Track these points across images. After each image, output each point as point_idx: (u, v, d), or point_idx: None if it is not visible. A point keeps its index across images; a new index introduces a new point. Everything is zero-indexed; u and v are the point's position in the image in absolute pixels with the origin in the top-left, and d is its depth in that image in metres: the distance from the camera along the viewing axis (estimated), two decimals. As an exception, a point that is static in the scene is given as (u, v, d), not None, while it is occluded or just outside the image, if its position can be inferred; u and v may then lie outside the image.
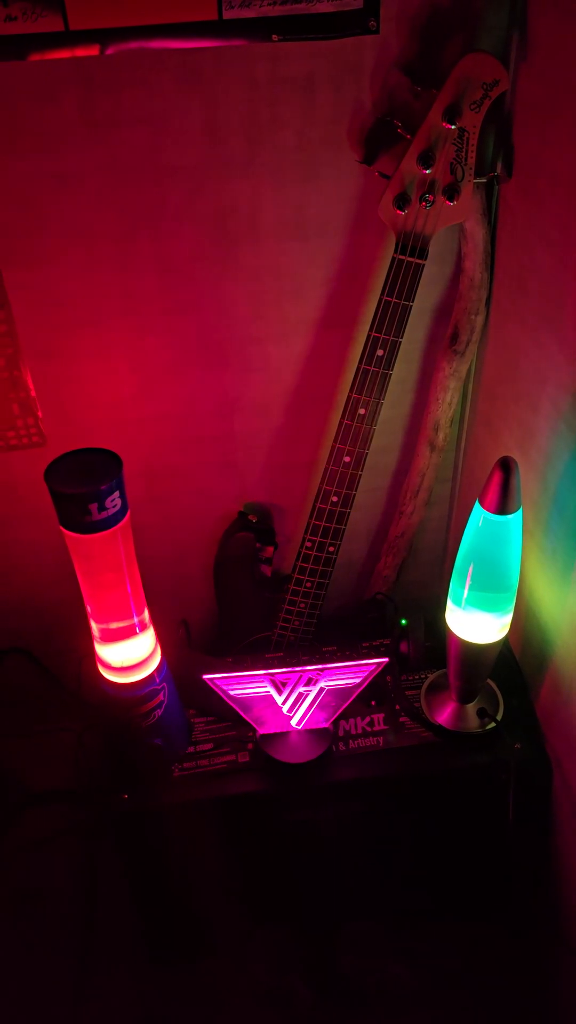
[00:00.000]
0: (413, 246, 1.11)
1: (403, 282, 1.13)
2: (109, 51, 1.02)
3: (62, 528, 0.94)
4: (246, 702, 1.12)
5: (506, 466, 0.92)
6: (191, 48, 1.04)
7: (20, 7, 0.97)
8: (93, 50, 1.02)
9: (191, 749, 1.21)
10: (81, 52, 1.02)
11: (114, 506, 0.92)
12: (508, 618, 1.07)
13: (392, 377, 1.18)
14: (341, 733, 1.21)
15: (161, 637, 1.13)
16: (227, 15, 1.02)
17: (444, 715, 1.21)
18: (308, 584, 1.33)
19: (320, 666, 1.09)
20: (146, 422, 1.37)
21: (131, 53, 1.03)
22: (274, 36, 1.04)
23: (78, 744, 1.57)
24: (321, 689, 1.11)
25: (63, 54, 1.02)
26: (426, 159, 1.05)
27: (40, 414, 1.32)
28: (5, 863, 1.57)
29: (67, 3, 0.98)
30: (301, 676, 1.10)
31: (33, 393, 1.30)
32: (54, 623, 1.57)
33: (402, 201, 1.08)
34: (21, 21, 0.98)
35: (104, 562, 0.98)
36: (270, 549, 1.49)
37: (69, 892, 1.53)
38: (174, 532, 1.52)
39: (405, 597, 1.58)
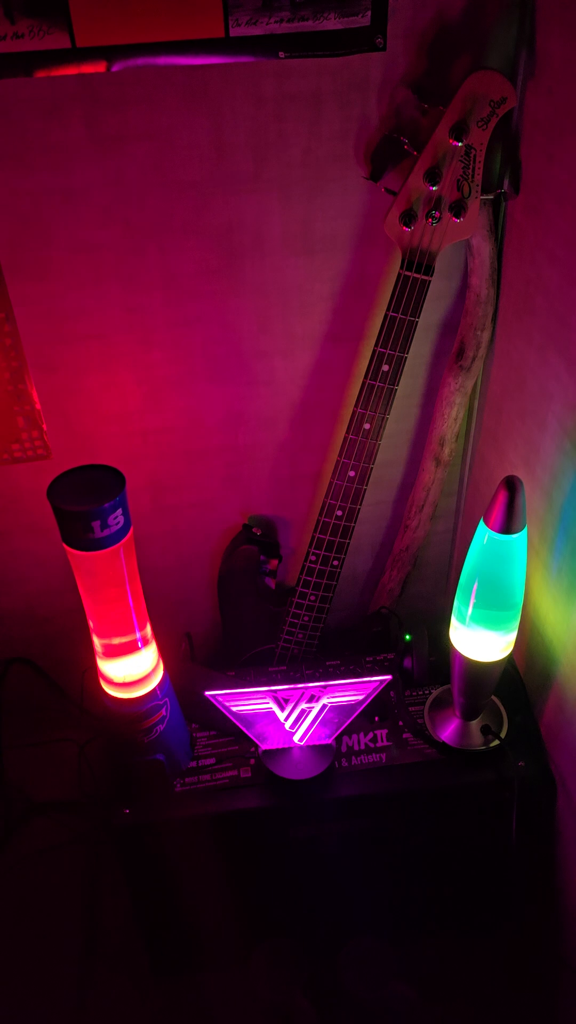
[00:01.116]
0: (419, 262, 1.11)
1: (409, 298, 1.13)
2: (115, 68, 1.03)
3: (65, 545, 0.94)
4: (248, 718, 1.12)
5: (511, 486, 0.92)
6: (198, 65, 1.04)
7: (27, 24, 0.98)
8: (100, 67, 1.02)
9: (193, 764, 1.21)
10: (88, 69, 1.02)
11: (117, 524, 0.92)
12: (512, 636, 1.07)
13: (398, 392, 1.18)
14: (344, 749, 1.21)
15: (164, 650, 1.13)
16: (234, 32, 1.02)
17: (448, 732, 1.20)
18: (312, 597, 1.33)
19: (323, 683, 1.08)
20: (151, 435, 1.37)
21: (137, 70, 1.03)
22: (281, 53, 1.05)
23: (80, 755, 1.57)
24: (324, 706, 1.11)
25: (70, 71, 1.02)
26: (433, 176, 1.05)
27: (45, 427, 1.32)
28: (7, 872, 1.57)
29: (74, 20, 0.98)
30: (304, 693, 1.09)
31: (38, 406, 1.30)
32: (57, 633, 1.57)
33: (408, 217, 1.08)
34: (28, 38, 0.98)
35: (106, 578, 0.98)
36: (274, 562, 1.49)
37: (71, 902, 1.53)
38: (178, 544, 1.52)
39: (409, 610, 1.57)
